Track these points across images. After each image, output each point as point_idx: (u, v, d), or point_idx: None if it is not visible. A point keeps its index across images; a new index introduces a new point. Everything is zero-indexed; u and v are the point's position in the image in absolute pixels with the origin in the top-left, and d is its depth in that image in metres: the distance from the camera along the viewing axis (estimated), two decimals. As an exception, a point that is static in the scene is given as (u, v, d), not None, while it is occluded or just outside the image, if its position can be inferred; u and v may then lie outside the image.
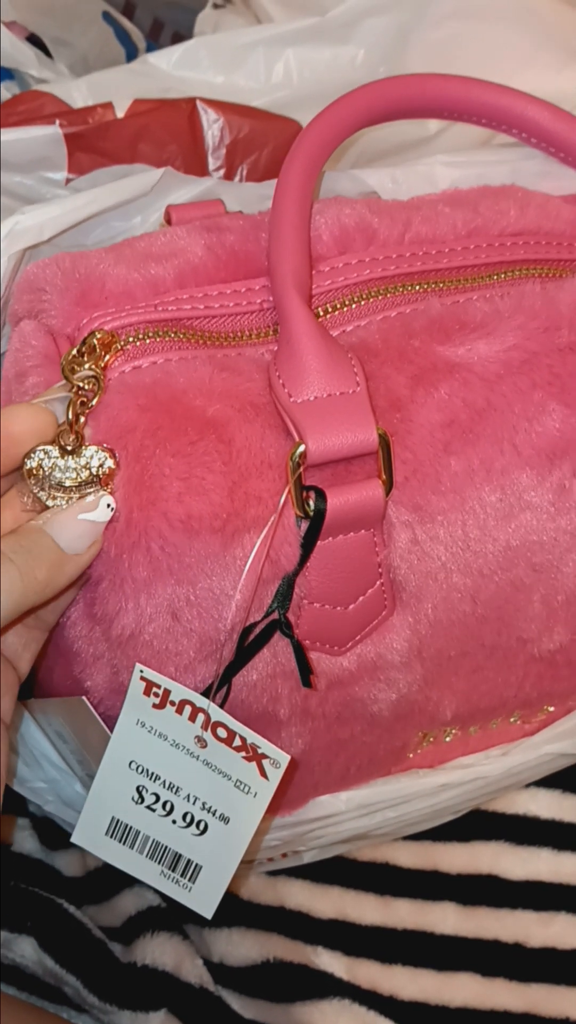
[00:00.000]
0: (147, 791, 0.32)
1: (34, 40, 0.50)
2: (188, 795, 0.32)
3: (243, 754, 0.31)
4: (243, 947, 0.46)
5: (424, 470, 0.32)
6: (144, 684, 0.30)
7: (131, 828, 0.33)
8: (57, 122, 0.42)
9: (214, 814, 0.32)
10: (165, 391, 0.30)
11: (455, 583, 0.33)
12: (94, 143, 0.43)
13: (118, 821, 0.33)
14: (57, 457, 0.29)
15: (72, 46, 0.51)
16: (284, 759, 0.31)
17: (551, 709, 0.42)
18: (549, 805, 0.49)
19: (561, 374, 0.33)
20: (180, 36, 0.56)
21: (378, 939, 0.47)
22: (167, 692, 0.30)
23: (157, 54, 0.46)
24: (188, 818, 0.33)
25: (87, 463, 0.29)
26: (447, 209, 0.35)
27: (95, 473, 0.29)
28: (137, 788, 0.32)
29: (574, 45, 0.52)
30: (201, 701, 0.30)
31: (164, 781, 0.32)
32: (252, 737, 0.30)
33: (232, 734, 0.31)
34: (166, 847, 0.33)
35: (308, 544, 0.30)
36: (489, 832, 0.48)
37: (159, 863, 0.34)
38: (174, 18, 0.60)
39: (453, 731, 0.40)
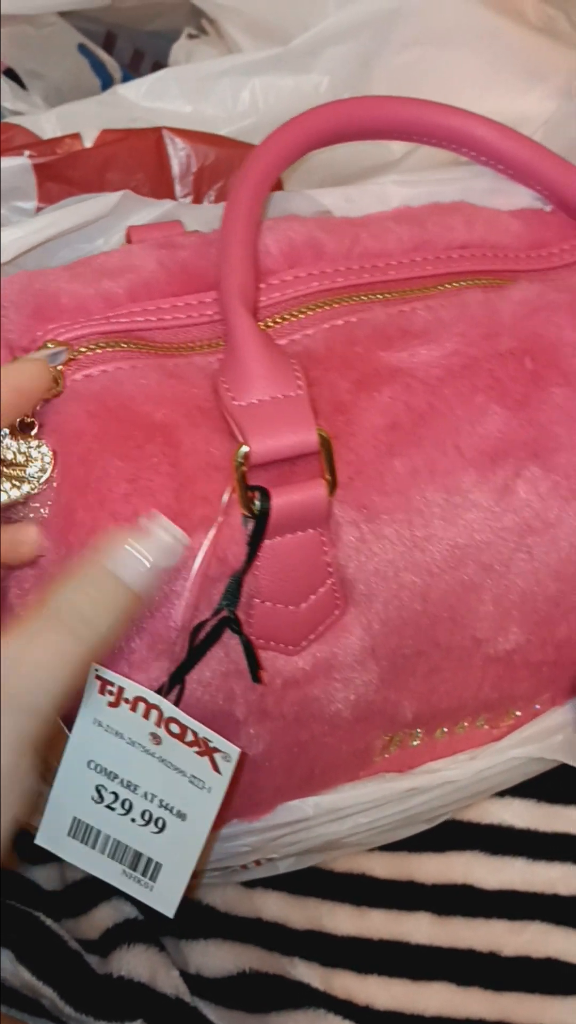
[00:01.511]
0: (106, 790, 0.33)
1: (9, 73, 0.52)
2: (146, 793, 0.33)
3: (196, 749, 0.32)
4: (219, 958, 0.47)
5: (368, 471, 0.33)
6: (99, 683, 0.31)
7: (92, 828, 0.34)
8: (26, 153, 0.44)
9: (171, 811, 0.33)
10: (114, 398, 0.31)
11: (404, 581, 0.34)
12: (63, 172, 0.44)
13: (79, 821, 0.34)
14: (7, 435, 0.30)
15: (46, 78, 0.53)
16: (234, 752, 0.31)
17: (518, 714, 0.42)
18: (523, 815, 0.49)
19: (502, 378, 0.34)
20: (160, 65, 0.57)
21: (354, 949, 0.47)
22: (121, 690, 0.31)
23: (126, 85, 0.47)
24: (147, 816, 0.33)
25: (28, 451, 0.30)
26: (395, 225, 0.37)
27: (32, 468, 0.30)
28: (96, 787, 0.33)
29: (536, 68, 0.53)
30: (154, 698, 0.31)
31: (122, 779, 0.33)
32: (203, 731, 0.31)
33: (184, 729, 0.31)
34: (126, 846, 0.34)
35: (254, 542, 0.31)
36: (463, 842, 0.49)
37: (120, 862, 0.34)
38: (154, 48, 0.62)
39: (419, 734, 0.41)
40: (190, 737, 0.31)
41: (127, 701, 0.31)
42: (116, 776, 0.33)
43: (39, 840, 0.35)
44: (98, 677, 0.31)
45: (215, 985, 0.46)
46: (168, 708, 0.31)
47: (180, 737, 0.32)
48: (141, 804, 0.33)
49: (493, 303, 0.35)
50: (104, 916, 0.47)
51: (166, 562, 0.29)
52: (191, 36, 0.56)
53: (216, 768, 0.32)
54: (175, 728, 0.31)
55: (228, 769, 0.32)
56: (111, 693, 0.31)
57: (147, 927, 0.47)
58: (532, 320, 0.36)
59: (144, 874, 0.34)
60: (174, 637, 0.31)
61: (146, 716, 0.31)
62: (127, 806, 0.33)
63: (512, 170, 0.40)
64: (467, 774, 0.42)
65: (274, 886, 0.48)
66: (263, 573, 0.32)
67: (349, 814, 0.42)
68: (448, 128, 0.40)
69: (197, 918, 0.47)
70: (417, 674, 0.37)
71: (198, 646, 0.31)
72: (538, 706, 0.43)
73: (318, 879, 0.48)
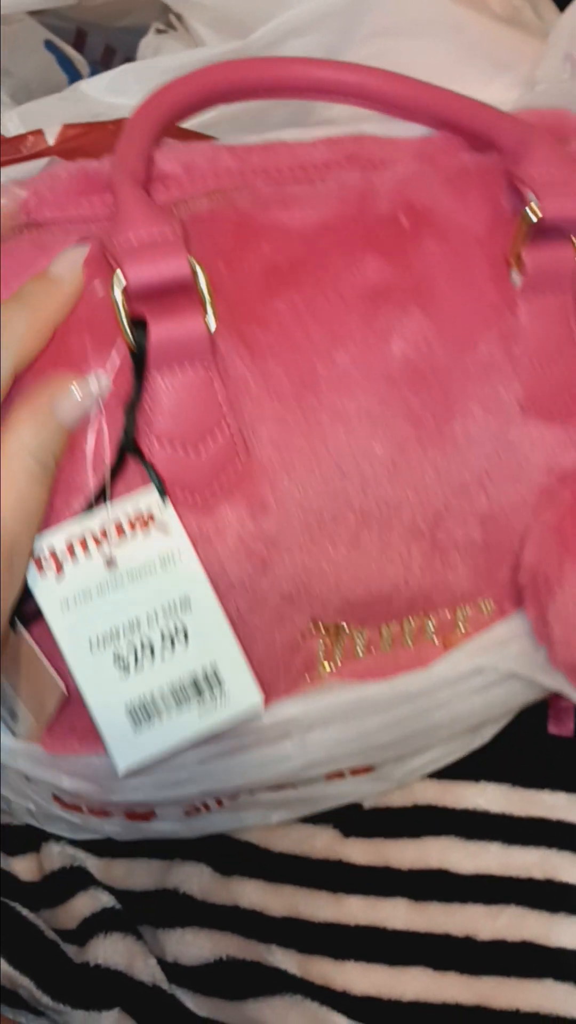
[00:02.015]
0: (122, 653, 0.32)
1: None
2: (147, 618, 0.32)
3: (141, 532, 0.32)
4: (196, 946, 0.47)
5: (249, 308, 0.35)
6: (35, 564, 0.31)
7: (144, 699, 0.33)
8: (-10, 153, 0.44)
9: (176, 609, 0.33)
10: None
11: (300, 427, 0.35)
12: (27, 169, 0.44)
13: (131, 706, 0.33)
14: None
15: (14, 75, 0.53)
16: (156, 497, 0.33)
17: (464, 629, 0.41)
18: (498, 799, 0.49)
19: (379, 232, 0.36)
20: (131, 61, 0.58)
21: (331, 936, 0.47)
22: (52, 551, 0.31)
23: (88, 81, 0.48)
24: (166, 637, 0.33)
25: None
26: (289, 146, 0.39)
27: None
28: (115, 659, 0.32)
29: (501, 58, 0.54)
30: (81, 529, 0.31)
31: (123, 628, 0.32)
32: (131, 504, 0.32)
33: (119, 527, 0.32)
34: (180, 683, 0.33)
35: (139, 373, 0.32)
36: (439, 828, 0.49)
37: (190, 703, 0.34)
38: (126, 44, 0.62)
39: (361, 640, 0.40)
40: (128, 527, 0.32)
41: (69, 554, 0.31)
42: (117, 631, 0.32)
43: (121, 770, 0.34)
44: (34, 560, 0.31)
45: (192, 973, 0.46)
46: (96, 522, 0.31)
47: (123, 535, 0.32)
48: (154, 632, 0.33)
49: (371, 178, 0.37)
50: (82, 906, 0.47)
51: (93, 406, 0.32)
52: (159, 31, 0.56)
53: (167, 531, 0.32)
54: (115, 533, 0.32)
55: (172, 521, 0.33)
56: (50, 561, 0.31)
57: (124, 916, 0.47)
58: (408, 188, 0.38)
59: (212, 690, 0.34)
60: (85, 482, 0.32)
61: (86, 551, 0.31)
62: (148, 646, 0.33)
63: (399, 110, 0.41)
64: (421, 682, 0.41)
65: (251, 874, 0.48)
66: (160, 413, 0.33)
67: (306, 727, 0.40)
68: (328, 80, 0.40)
69: (174, 907, 0.48)
70: (336, 543, 0.37)
71: (106, 480, 0.32)
72: (486, 615, 0.42)
73: (295, 866, 0.49)
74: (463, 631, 0.41)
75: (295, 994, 0.46)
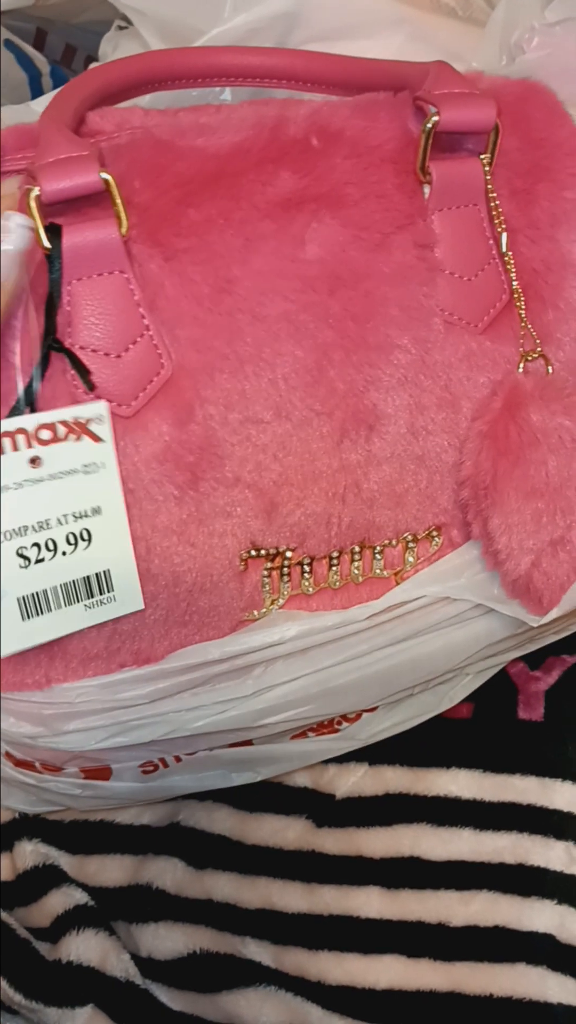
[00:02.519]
0: (27, 549, 0.33)
1: None
2: (58, 519, 0.33)
3: (71, 436, 0.32)
4: (170, 940, 0.47)
5: (162, 216, 0.36)
6: None
7: (37, 594, 0.34)
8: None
9: (86, 515, 0.34)
10: None
11: (217, 328, 0.36)
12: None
13: (24, 599, 0.34)
14: None
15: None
16: (102, 406, 0.33)
17: (412, 559, 0.41)
18: (469, 785, 0.49)
19: (291, 152, 0.38)
20: (92, 59, 0.58)
21: (304, 926, 0.47)
22: None
23: (38, 100, 0.48)
24: (71, 539, 0.34)
25: None
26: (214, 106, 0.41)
27: None
28: (18, 553, 0.33)
29: (451, 50, 0.54)
30: (12, 424, 0.32)
31: (32, 527, 0.33)
32: (69, 412, 0.33)
33: (51, 426, 0.32)
34: (73, 581, 0.34)
35: (54, 275, 0.34)
36: (411, 815, 0.49)
37: (78, 601, 0.35)
38: (86, 42, 0.63)
39: (307, 571, 0.40)
40: (62, 430, 0.32)
41: None
42: (25, 528, 0.33)
43: (4, 651, 0.35)
44: None
45: (166, 967, 0.46)
46: (31, 421, 0.32)
47: (54, 439, 0.32)
48: (60, 532, 0.33)
49: (285, 111, 0.39)
50: (55, 903, 0.47)
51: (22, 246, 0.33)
52: (120, 27, 0.57)
53: (96, 437, 0.33)
54: (45, 434, 0.32)
55: (106, 430, 0.34)
56: None
57: (97, 912, 0.47)
58: (319, 115, 0.39)
59: (103, 592, 0.35)
60: (14, 384, 0.33)
61: (15, 447, 0.32)
62: (51, 546, 0.33)
63: (322, 84, 0.43)
64: (372, 611, 0.40)
65: (224, 867, 0.48)
66: (81, 322, 0.35)
67: (260, 663, 0.40)
68: (250, 66, 0.42)
69: (147, 902, 0.48)
70: (265, 450, 0.38)
71: (33, 379, 0.33)
72: (434, 548, 0.42)
73: (268, 858, 0.49)
74: (413, 564, 0.41)
75: (269, 985, 0.46)
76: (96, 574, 0.36)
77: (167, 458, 0.36)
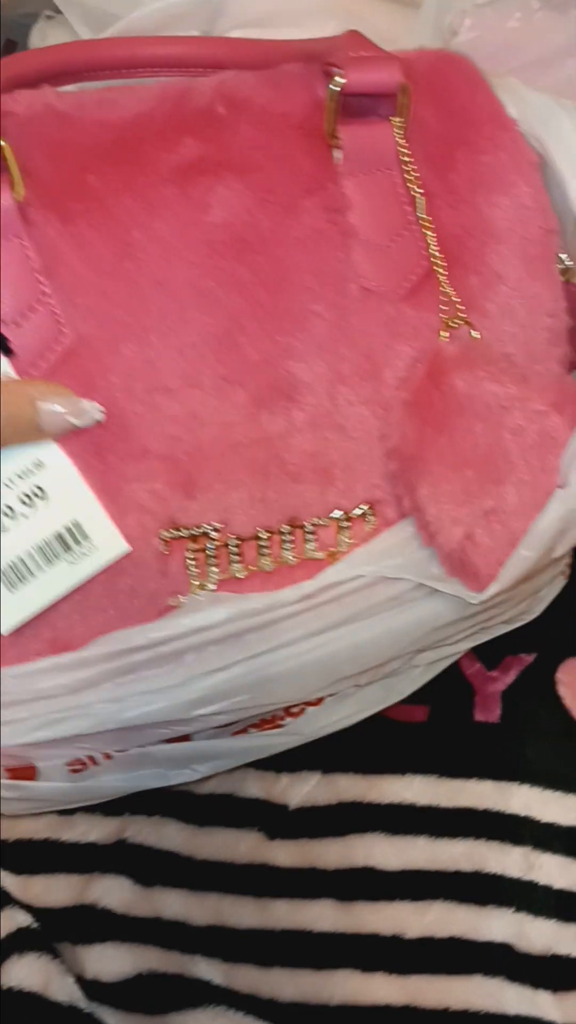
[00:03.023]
0: None
1: None
2: (5, 483, 0.34)
3: None
4: (117, 962, 0.46)
5: (63, 184, 0.36)
6: None
7: (15, 563, 0.35)
8: None
9: (31, 472, 0.35)
10: None
11: (118, 296, 0.36)
12: None
13: (4, 570, 0.35)
14: None
15: None
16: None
17: (348, 540, 0.40)
18: (424, 792, 0.48)
19: (195, 121, 0.38)
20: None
21: (256, 942, 0.46)
22: None
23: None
24: (26, 499, 0.35)
25: None
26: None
27: None
28: None
29: (386, 34, 0.53)
30: None
31: None
32: None
33: None
34: (46, 540, 0.35)
35: None
36: (364, 824, 0.48)
37: (59, 558, 0.35)
38: (25, 35, 0.61)
39: (234, 552, 0.38)
40: None
41: None
42: None
43: (6, 630, 0.36)
44: None
45: (113, 989, 0.45)
46: None
47: None
48: (12, 495, 0.35)
49: (192, 82, 0.39)
50: (-3, 927, 0.46)
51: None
52: (48, 17, 0.56)
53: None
54: None
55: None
56: None
57: (40, 935, 0.46)
58: (226, 85, 0.39)
59: (80, 544, 0.36)
60: None
61: None
62: (10, 512, 0.35)
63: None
64: (304, 591, 0.39)
65: (173, 883, 0.47)
66: None
67: (189, 650, 0.38)
68: (172, 56, 0.41)
69: (93, 922, 0.46)
70: (177, 421, 0.37)
71: None
72: (369, 527, 0.40)
73: (219, 873, 0.47)
74: (348, 543, 0.40)
75: (219, 1005, 0.44)
76: (66, 528, 0.36)
77: (72, 432, 0.36)
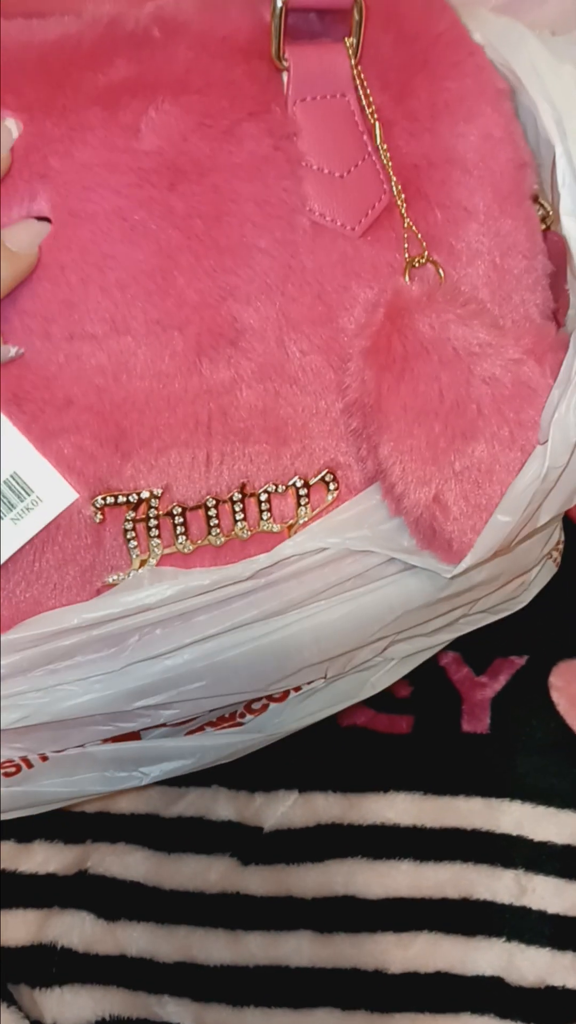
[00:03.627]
0: None
1: None
2: None
3: None
4: (77, 1006, 0.42)
5: None
6: None
7: None
8: None
9: None
10: None
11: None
12: None
13: None
14: None
15: None
16: None
17: (305, 510, 0.37)
18: (408, 811, 0.45)
19: (129, 42, 0.35)
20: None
21: (228, 979, 0.43)
22: None
23: None
24: None
25: None
26: None
27: None
28: None
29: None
30: None
31: None
32: None
33: None
34: None
35: None
36: (344, 849, 0.44)
37: (3, 516, 0.33)
38: None
39: (178, 521, 0.35)
40: None
41: None
42: None
43: None
44: None
45: (74, 1036, 0.42)
46: None
47: None
48: None
49: (125, 9, 0.36)
50: (-50, 972, 0.43)
51: None
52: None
53: None
54: None
55: None
56: None
57: (-6, 980, 0.43)
58: (163, 10, 0.36)
59: (23, 498, 0.34)
60: None
61: None
62: None
63: None
64: (257, 567, 0.35)
65: (139, 917, 0.44)
66: None
67: (130, 629, 0.35)
68: None
69: (53, 963, 0.43)
70: (104, 372, 0.34)
71: None
72: (331, 496, 0.37)
73: (188, 904, 0.44)
74: (308, 515, 0.36)
75: (189, 1050, 0.41)
76: (6, 481, 0.33)
77: None
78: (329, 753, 0.46)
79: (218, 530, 0.35)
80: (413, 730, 0.47)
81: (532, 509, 0.35)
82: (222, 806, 0.46)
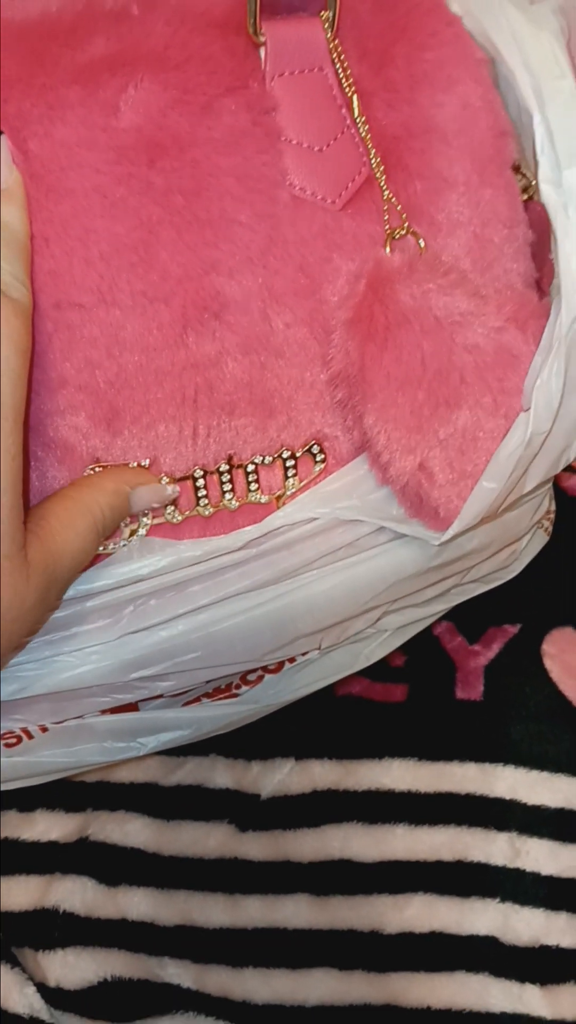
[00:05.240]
0: None
1: None
2: None
3: None
4: (80, 968, 0.43)
5: None
6: None
7: None
8: None
9: None
10: None
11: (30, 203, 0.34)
12: None
13: None
14: None
15: None
16: None
17: (292, 482, 0.37)
18: (403, 776, 0.45)
19: (107, 21, 0.35)
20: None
21: (227, 942, 0.44)
22: None
23: None
24: None
25: None
26: None
27: None
28: None
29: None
30: None
31: None
32: None
33: None
34: None
35: None
36: (340, 814, 0.45)
37: None
38: None
39: (169, 502, 0.35)
40: None
41: None
42: None
43: None
44: None
45: (77, 997, 0.43)
46: None
47: None
48: None
49: None
50: (-46, 937, 0.44)
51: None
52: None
53: None
54: None
55: None
56: None
57: (0, 943, 0.43)
58: None
59: None
60: None
61: None
62: None
63: None
64: (249, 537, 0.36)
65: (140, 882, 0.45)
66: None
67: (124, 600, 0.35)
68: None
69: (55, 926, 0.44)
70: (96, 344, 0.34)
71: None
72: (319, 468, 0.37)
73: (188, 869, 0.45)
74: (296, 485, 0.36)
75: (188, 1011, 0.42)
76: None
77: None
78: (325, 721, 0.47)
79: (206, 500, 0.36)
80: (408, 698, 0.47)
81: (517, 475, 0.36)
82: (220, 774, 0.46)
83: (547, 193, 0.35)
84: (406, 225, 0.36)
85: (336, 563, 0.37)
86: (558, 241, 0.35)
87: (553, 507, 0.46)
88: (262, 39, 0.35)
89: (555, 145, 0.36)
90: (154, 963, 0.43)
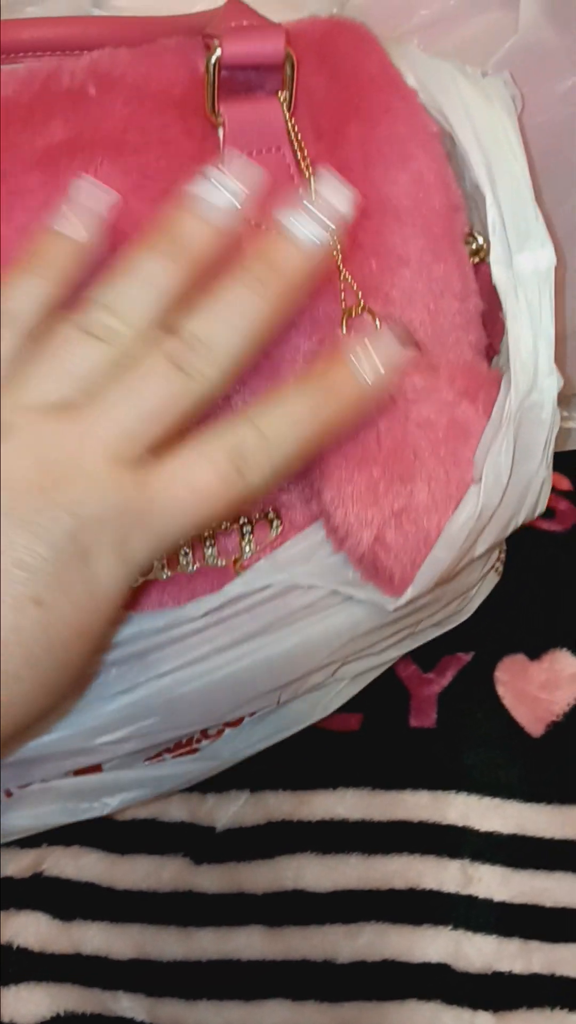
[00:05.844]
0: None
1: None
2: None
3: None
4: (32, 1003, 0.43)
5: None
6: None
7: None
8: None
9: None
10: None
11: None
12: None
13: None
14: None
15: None
16: None
17: (249, 548, 0.38)
18: (357, 806, 0.45)
19: (64, 102, 0.35)
20: None
21: (181, 974, 0.43)
22: None
23: None
24: None
25: None
26: None
27: None
28: None
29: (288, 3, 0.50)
30: None
31: None
32: None
33: None
34: None
35: None
36: (294, 844, 0.45)
37: None
38: None
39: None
40: None
41: None
42: None
43: None
44: None
45: (29, 1034, 0.43)
46: None
47: None
48: None
49: (62, 63, 0.36)
50: None
51: None
52: None
53: None
54: None
55: None
56: None
57: (-49, 980, 0.43)
58: (98, 64, 0.36)
59: None
60: None
61: None
62: None
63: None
64: (208, 606, 0.36)
65: (94, 916, 0.45)
66: None
67: None
68: (44, 39, 0.37)
69: (8, 962, 0.44)
70: None
71: None
72: (275, 532, 0.38)
73: (142, 903, 0.45)
74: (252, 551, 0.37)
75: (142, 1044, 0.42)
76: None
77: None
78: (280, 752, 0.47)
79: (163, 564, 0.36)
80: (362, 727, 0.47)
81: (468, 544, 0.37)
82: (175, 807, 0.46)
83: (498, 275, 0.36)
84: (362, 304, 0.37)
85: (294, 624, 0.38)
86: (507, 324, 0.36)
87: (504, 548, 0.47)
88: (220, 119, 0.36)
89: (506, 229, 0.37)
90: (108, 997, 0.43)
